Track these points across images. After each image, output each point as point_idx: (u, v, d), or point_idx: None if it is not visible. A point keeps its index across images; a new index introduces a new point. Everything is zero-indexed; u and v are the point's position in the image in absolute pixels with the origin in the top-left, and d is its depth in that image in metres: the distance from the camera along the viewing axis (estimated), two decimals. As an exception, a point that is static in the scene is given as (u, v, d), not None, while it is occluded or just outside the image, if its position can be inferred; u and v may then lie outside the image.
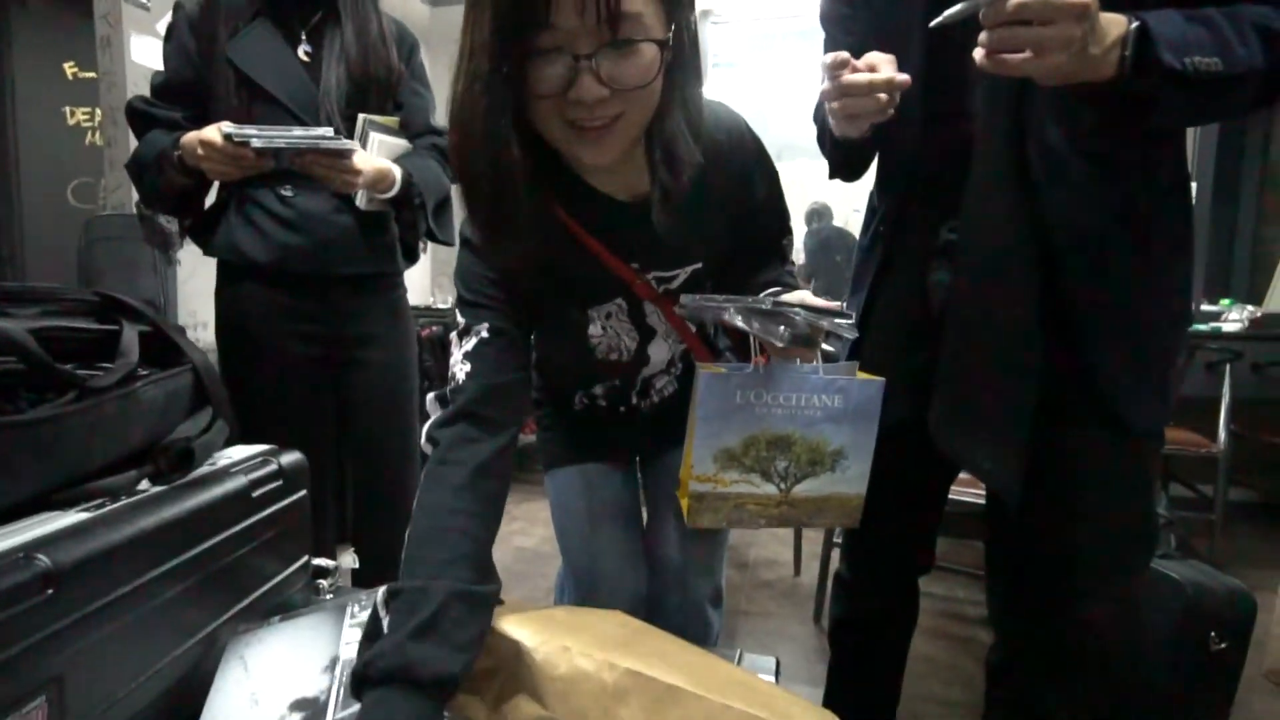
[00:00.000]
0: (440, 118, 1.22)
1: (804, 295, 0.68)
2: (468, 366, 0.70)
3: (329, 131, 0.99)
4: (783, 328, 0.61)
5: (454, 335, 0.73)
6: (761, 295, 0.73)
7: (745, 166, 0.74)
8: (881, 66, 0.68)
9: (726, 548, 0.97)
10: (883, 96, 0.67)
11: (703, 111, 0.66)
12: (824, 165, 0.91)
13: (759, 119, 3.22)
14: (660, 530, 0.91)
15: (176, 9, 1.11)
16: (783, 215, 0.81)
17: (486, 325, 0.70)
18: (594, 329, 0.79)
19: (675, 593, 0.89)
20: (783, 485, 0.72)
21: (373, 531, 1.27)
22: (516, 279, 0.70)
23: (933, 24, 0.61)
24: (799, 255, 3.40)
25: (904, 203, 0.83)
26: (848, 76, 0.68)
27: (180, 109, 1.09)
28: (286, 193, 1.10)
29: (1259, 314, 2.37)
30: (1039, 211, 0.70)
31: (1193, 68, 0.59)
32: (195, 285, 2.08)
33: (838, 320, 0.62)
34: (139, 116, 1.11)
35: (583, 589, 0.89)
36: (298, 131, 0.98)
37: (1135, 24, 0.59)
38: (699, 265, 0.77)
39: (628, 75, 0.55)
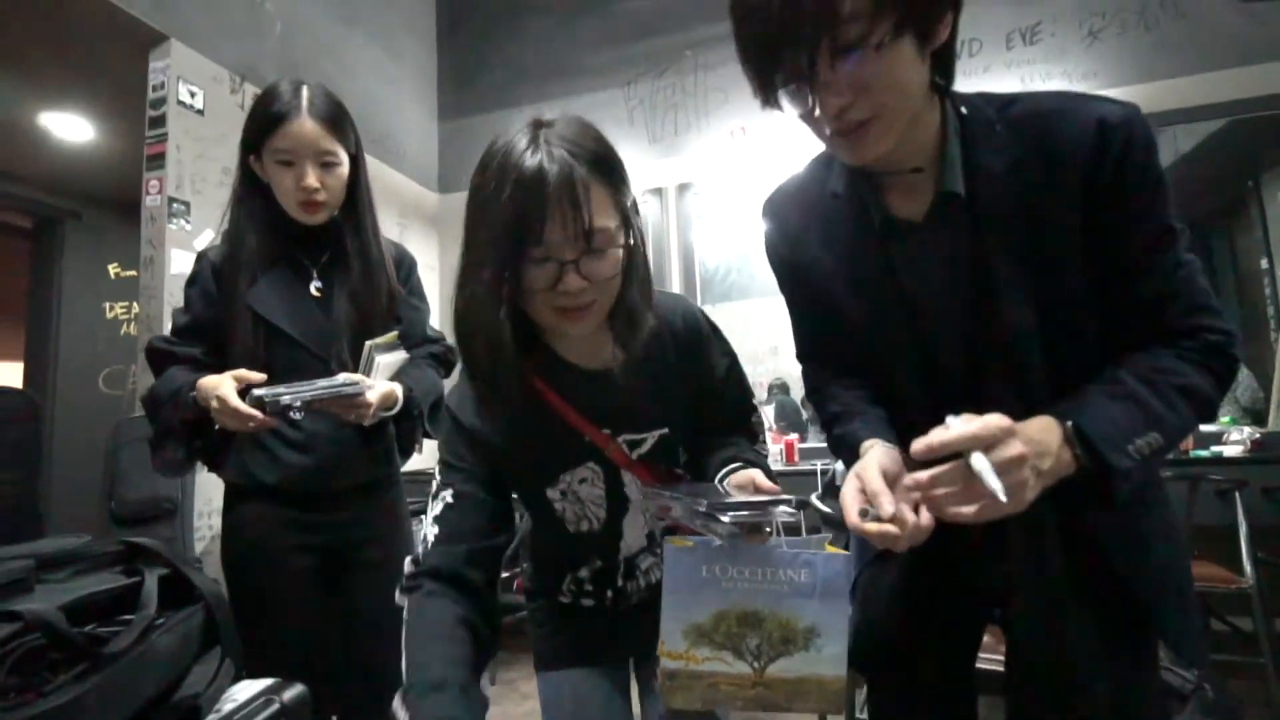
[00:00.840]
0: (439, 312, 1.35)
1: (753, 475, 0.73)
2: (435, 529, 0.80)
3: (349, 377, 1.08)
4: (720, 526, 0.66)
5: (430, 495, 0.84)
6: (718, 476, 0.78)
7: (700, 344, 0.88)
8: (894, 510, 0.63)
9: None
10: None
11: (652, 289, 0.82)
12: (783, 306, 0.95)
13: (737, 261, 3.43)
14: None
15: (201, 257, 1.24)
16: (745, 393, 0.90)
17: (452, 490, 0.81)
18: (553, 493, 0.84)
19: None
20: (756, 664, 0.70)
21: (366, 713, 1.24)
22: (491, 442, 0.82)
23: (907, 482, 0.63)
24: (798, 383, 3.46)
25: None
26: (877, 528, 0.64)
27: (200, 346, 1.19)
28: (296, 416, 1.18)
29: (1259, 435, 2.38)
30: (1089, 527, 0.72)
31: (1137, 453, 0.62)
32: (211, 476, 2.16)
33: (778, 511, 0.66)
34: (159, 355, 1.19)
35: None
36: (321, 383, 1.06)
37: (1069, 423, 0.62)
38: (665, 430, 0.84)
39: (600, 271, 0.72)
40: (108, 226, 3.94)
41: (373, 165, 1.31)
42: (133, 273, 3.76)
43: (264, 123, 1.16)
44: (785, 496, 0.69)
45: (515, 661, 2.79)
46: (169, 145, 2.26)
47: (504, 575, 2.61)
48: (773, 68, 0.65)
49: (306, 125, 1.15)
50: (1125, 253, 0.68)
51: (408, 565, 0.81)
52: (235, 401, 1.03)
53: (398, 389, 1.20)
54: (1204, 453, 2.35)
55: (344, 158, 1.21)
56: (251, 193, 1.21)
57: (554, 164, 0.67)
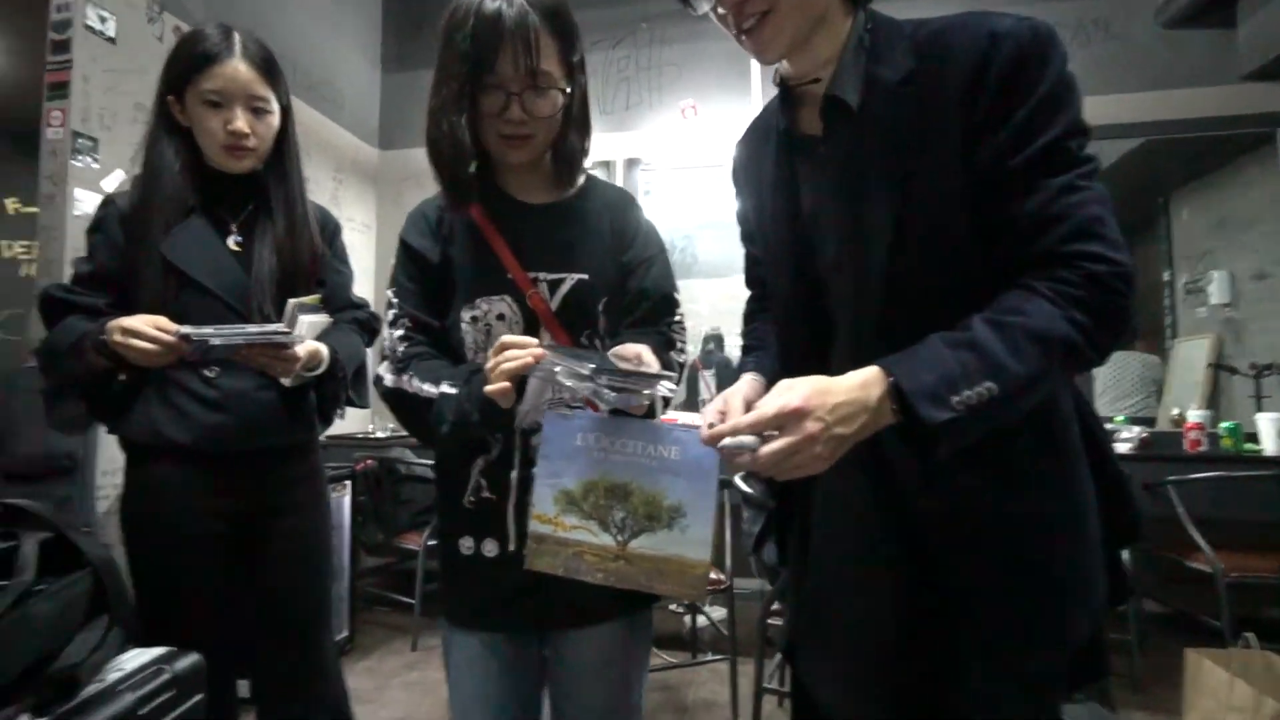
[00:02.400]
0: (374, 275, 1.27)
1: (640, 349, 0.79)
2: (401, 342, 0.89)
3: (279, 326, 1.05)
4: (609, 393, 0.69)
5: (386, 324, 0.92)
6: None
7: (631, 212, 0.98)
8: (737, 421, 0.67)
9: None
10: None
11: (589, 139, 0.94)
12: (728, 286, 1.03)
13: (682, 240, 3.47)
14: None
15: (107, 203, 1.16)
16: (668, 291, 0.95)
17: (408, 319, 0.90)
18: (466, 314, 0.89)
19: None
20: (620, 537, 0.72)
21: (279, 704, 1.23)
22: (430, 261, 0.91)
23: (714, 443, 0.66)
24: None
25: None
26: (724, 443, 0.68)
27: (103, 297, 1.12)
28: (210, 374, 1.13)
29: (1146, 434, 2.58)
30: (886, 459, 0.69)
31: (963, 405, 0.58)
32: (117, 432, 2.04)
33: (659, 384, 0.70)
34: (56, 305, 1.11)
35: None
36: (251, 328, 1.03)
37: (891, 380, 0.60)
38: (584, 276, 0.90)
39: (541, 108, 0.85)
40: (5, 157, 3.60)
41: (307, 114, 1.27)
42: (33, 209, 3.46)
43: (191, 62, 1.10)
44: (668, 373, 0.73)
45: (438, 628, 2.78)
46: (74, 74, 2.07)
47: (430, 543, 2.59)
48: None
49: (240, 68, 1.11)
50: (1006, 166, 0.63)
51: (383, 367, 0.89)
52: (145, 325, 0.99)
53: (324, 349, 1.17)
54: (1097, 449, 2.53)
55: (275, 106, 1.17)
56: (168, 135, 1.14)
57: (511, 9, 0.81)
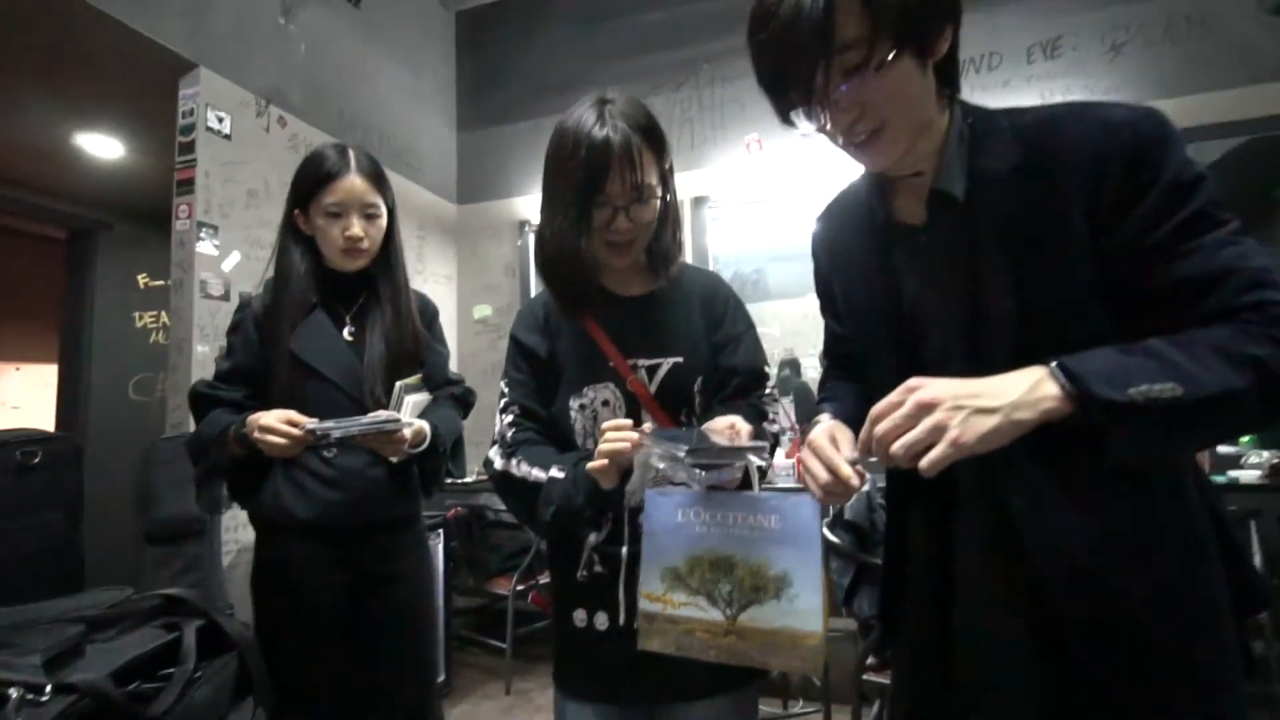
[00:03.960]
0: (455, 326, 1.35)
1: (734, 419, 0.83)
2: (511, 430, 0.97)
3: (391, 414, 1.16)
4: (701, 473, 0.72)
5: (498, 411, 1.00)
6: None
7: (719, 294, 1.05)
8: (841, 454, 0.71)
9: None
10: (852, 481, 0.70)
11: (680, 234, 1.03)
12: (800, 305, 1.04)
13: (752, 272, 3.43)
14: None
15: (243, 307, 1.31)
16: (758, 364, 0.99)
17: (517, 406, 0.99)
18: (574, 403, 0.96)
19: None
20: (728, 611, 0.70)
21: None
22: (538, 356, 0.99)
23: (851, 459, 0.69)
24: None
25: (905, 511, 0.85)
26: (821, 476, 0.71)
27: (241, 390, 1.26)
28: (329, 454, 1.24)
29: (1277, 460, 2.36)
30: (1026, 548, 0.67)
31: (1142, 397, 0.55)
32: (240, 491, 2.23)
33: (750, 455, 0.72)
34: (204, 399, 1.27)
35: None
36: (365, 419, 1.14)
37: (1054, 364, 0.59)
38: (679, 359, 0.97)
39: (643, 216, 0.93)
40: (137, 237, 4.04)
41: (394, 179, 1.39)
42: (160, 282, 3.85)
43: (315, 181, 1.25)
44: (759, 444, 0.74)
45: (531, 671, 2.85)
46: (198, 170, 2.32)
47: (519, 588, 2.67)
48: (784, 93, 0.71)
49: (356, 181, 1.25)
50: (1150, 241, 0.63)
51: (493, 450, 0.97)
52: (278, 422, 1.11)
53: (427, 427, 1.27)
54: (1220, 478, 2.33)
55: (384, 209, 1.30)
56: (295, 244, 1.29)
57: (617, 135, 0.89)
